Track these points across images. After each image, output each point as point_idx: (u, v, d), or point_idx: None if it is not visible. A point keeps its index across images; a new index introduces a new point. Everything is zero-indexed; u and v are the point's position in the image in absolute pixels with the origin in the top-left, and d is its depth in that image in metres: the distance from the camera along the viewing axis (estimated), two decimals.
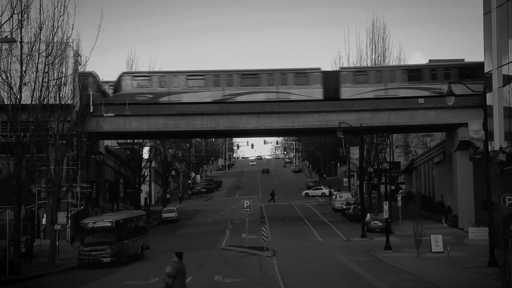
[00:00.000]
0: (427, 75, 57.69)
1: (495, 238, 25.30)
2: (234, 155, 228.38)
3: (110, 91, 58.68)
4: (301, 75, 58.30)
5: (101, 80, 59.72)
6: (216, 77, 58.23)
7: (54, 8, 40.71)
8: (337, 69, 63.97)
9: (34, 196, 46.49)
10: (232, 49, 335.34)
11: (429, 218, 61.05)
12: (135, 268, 38.79)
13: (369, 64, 68.17)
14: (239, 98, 57.83)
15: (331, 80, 57.78)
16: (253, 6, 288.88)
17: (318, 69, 58.96)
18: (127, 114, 57.24)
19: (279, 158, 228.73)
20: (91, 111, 55.00)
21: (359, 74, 58.72)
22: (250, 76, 58.57)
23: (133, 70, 70.18)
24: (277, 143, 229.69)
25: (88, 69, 51.40)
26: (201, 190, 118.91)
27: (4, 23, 34.74)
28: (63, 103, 43.46)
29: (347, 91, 57.41)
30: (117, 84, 58.50)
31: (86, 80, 54.86)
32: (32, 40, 38.82)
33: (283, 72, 58.94)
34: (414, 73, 58.09)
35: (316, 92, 57.46)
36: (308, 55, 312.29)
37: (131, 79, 58.11)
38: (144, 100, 57.43)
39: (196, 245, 49.99)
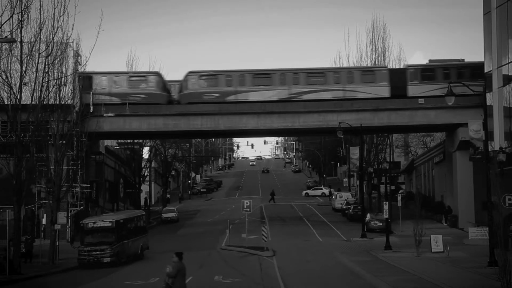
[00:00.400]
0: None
1: (495, 238, 25.30)
2: (234, 155, 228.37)
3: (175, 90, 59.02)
4: (368, 73, 58.36)
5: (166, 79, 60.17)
6: (282, 76, 58.36)
7: (54, 8, 40.79)
8: (403, 66, 63.66)
9: (34, 196, 46.49)
10: (232, 49, 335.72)
11: (429, 218, 61.07)
12: (135, 268, 38.80)
13: (369, 64, 68.19)
14: (305, 97, 57.90)
15: (397, 78, 57.59)
16: (253, 6, 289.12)
17: (385, 67, 58.85)
18: (127, 114, 57.21)
19: (279, 158, 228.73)
20: (91, 111, 55.00)
21: (427, 72, 58.38)
22: (317, 75, 58.63)
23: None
24: (277, 143, 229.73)
25: (88, 69, 51.39)
26: (201, 190, 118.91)
27: (4, 23, 34.78)
28: (63, 103, 43.47)
29: (414, 89, 57.22)
30: (182, 84, 58.71)
31: (152, 79, 56.29)
32: (32, 40, 38.86)
33: (349, 70, 59.20)
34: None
35: (382, 90, 57.33)
36: (308, 55, 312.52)
37: (197, 78, 58.30)
38: (210, 99, 57.65)
39: (196, 245, 49.99)
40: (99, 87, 57.07)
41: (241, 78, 58.18)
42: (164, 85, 58.56)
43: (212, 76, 58.89)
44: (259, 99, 57.87)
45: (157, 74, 59.09)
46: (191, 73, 59.06)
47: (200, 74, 58.94)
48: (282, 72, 59.06)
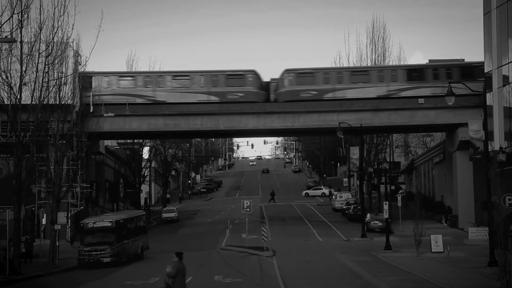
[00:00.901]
0: None
1: (495, 238, 25.29)
2: (234, 155, 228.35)
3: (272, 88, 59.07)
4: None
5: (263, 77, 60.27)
6: (380, 73, 58.58)
7: (54, 8, 40.77)
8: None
9: (34, 196, 46.47)
10: (232, 49, 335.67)
11: (429, 218, 61.02)
12: (135, 268, 38.80)
13: (369, 64, 68.19)
14: (403, 94, 57.84)
15: None
16: (253, 6, 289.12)
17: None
18: (127, 114, 57.21)
19: (279, 158, 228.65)
20: (91, 111, 55.01)
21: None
22: (416, 72, 58.62)
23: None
24: (277, 143, 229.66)
25: (88, 69, 51.40)
26: (201, 190, 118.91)
27: (4, 23, 34.77)
28: (63, 103, 43.47)
29: None
30: (279, 82, 58.76)
31: (249, 77, 57.05)
32: (32, 40, 38.84)
33: (448, 67, 58.72)
34: None
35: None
36: (308, 55, 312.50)
37: (294, 76, 58.28)
38: (308, 96, 57.65)
39: (196, 245, 49.98)
40: (196, 85, 57.39)
41: (338, 75, 58.38)
42: (261, 83, 58.69)
43: (309, 73, 58.90)
44: (357, 97, 57.82)
45: (254, 72, 59.16)
46: (287, 71, 59.17)
47: (298, 72, 58.96)
48: (380, 69, 59.69)
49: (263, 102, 58.16)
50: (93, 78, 57.07)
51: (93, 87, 56.74)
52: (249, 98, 57.61)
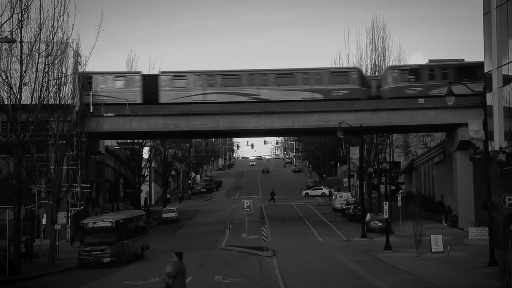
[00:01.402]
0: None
1: (495, 238, 25.29)
2: (234, 155, 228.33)
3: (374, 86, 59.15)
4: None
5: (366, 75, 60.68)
6: None
7: (54, 8, 40.75)
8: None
9: (34, 196, 46.48)
10: (232, 49, 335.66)
11: (429, 218, 61.01)
12: (135, 268, 38.79)
13: (368, 64, 68.24)
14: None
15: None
16: (253, 6, 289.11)
17: None
18: (127, 114, 57.18)
19: (279, 158, 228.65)
20: (91, 111, 55.01)
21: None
22: None
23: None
24: (277, 143, 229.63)
25: (88, 69, 51.34)
26: (201, 190, 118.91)
27: (4, 23, 34.78)
28: (63, 103, 43.46)
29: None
30: (382, 79, 58.85)
31: (353, 74, 57.59)
32: (32, 40, 38.83)
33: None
34: None
35: None
36: (308, 55, 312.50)
37: (399, 73, 58.33)
38: (413, 93, 57.50)
39: (196, 245, 49.98)
40: (300, 83, 57.63)
41: (443, 72, 58.11)
42: (364, 80, 58.79)
43: (413, 71, 58.95)
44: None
45: (358, 70, 59.37)
46: (392, 68, 59.22)
47: (402, 69, 59.08)
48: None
49: (366, 99, 57.95)
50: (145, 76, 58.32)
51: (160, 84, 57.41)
52: (353, 95, 57.61)
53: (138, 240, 43.59)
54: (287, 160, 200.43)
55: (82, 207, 52.38)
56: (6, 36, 34.27)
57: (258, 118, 58.71)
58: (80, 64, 47.44)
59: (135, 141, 75.83)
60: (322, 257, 40.25)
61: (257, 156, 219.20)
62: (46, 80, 40.31)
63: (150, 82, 57.99)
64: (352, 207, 67.39)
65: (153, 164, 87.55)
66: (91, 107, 55.14)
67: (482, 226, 44.32)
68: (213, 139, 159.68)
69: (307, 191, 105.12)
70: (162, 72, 59.28)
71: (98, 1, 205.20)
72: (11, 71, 37.84)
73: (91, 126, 53.16)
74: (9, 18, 35.46)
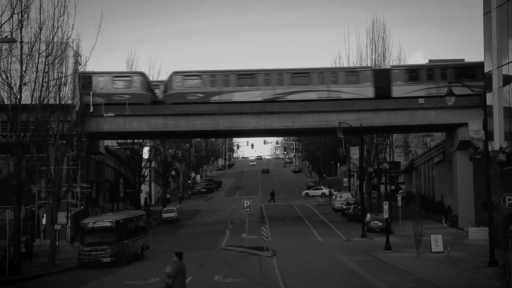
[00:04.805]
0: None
1: (495, 238, 25.27)
2: (234, 155, 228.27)
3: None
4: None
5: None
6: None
7: (54, 8, 40.76)
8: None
9: (34, 196, 46.47)
10: (232, 49, 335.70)
11: (429, 218, 61.02)
12: (135, 268, 38.79)
13: (369, 64, 68.15)
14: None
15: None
16: (253, 6, 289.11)
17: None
18: (127, 114, 57.20)
19: (279, 158, 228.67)
20: (91, 111, 55.01)
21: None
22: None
23: (133, 69, 70.12)
24: (277, 143, 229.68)
25: (88, 69, 51.34)
26: (201, 190, 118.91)
27: (4, 23, 34.77)
28: (63, 103, 43.46)
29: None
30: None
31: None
32: (32, 40, 38.82)
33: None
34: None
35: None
36: (308, 55, 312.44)
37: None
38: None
39: (196, 245, 49.98)
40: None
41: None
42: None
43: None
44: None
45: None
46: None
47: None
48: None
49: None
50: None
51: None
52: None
53: (138, 240, 43.58)
54: (287, 160, 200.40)
55: (82, 207, 52.36)
56: (6, 36, 34.27)
57: (258, 118, 58.69)
58: (80, 64, 47.45)
59: (135, 141, 75.81)
60: (322, 257, 40.25)
61: (257, 156, 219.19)
62: (46, 80, 40.31)
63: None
64: (352, 207, 67.38)
65: (153, 164, 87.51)
66: (91, 107, 55.15)
67: (482, 226, 44.30)
68: (213, 139, 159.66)
69: (307, 191, 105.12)
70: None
71: (98, 1, 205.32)
72: (11, 71, 37.86)
73: (91, 126, 53.17)
74: (9, 18, 35.50)
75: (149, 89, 58.61)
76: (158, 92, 59.32)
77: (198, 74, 58.85)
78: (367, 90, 57.29)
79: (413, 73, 57.69)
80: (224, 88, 57.88)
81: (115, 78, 58.07)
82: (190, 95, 57.66)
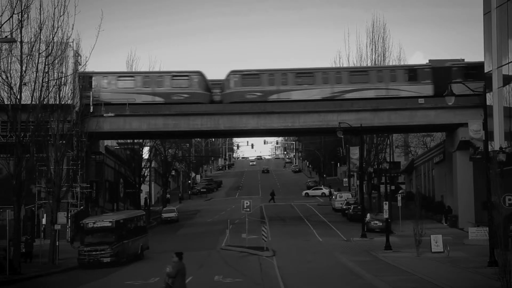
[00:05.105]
0: None
1: (495, 238, 25.27)
2: (234, 155, 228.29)
3: None
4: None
5: None
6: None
7: (54, 8, 40.76)
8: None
9: (34, 196, 46.46)
10: (232, 49, 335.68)
11: (429, 218, 61.02)
12: (135, 268, 38.79)
13: (369, 64, 68.14)
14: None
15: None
16: (253, 6, 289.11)
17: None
18: (127, 114, 57.21)
19: (279, 158, 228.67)
20: (91, 111, 55.02)
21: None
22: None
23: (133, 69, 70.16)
24: (277, 143, 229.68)
25: (88, 69, 51.30)
26: (201, 190, 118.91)
27: (4, 23, 34.76)
28: (63, 103, 43.46)
29: None
30: None
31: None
32: (32, 40, 38.82)
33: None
34: None
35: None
36: (308, 55, 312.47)
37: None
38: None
39: (196, 245, 49.98)
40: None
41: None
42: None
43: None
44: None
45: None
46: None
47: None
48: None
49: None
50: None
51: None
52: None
53: (138, 240, 43.58)
54: (287, 160, 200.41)
55: (82, 207, 52.36)
56: (6, 36, 34.26)
57: (258, 118, 58.70)
58: (80, 64, 47.45)
59: (135, 141, 75.82)
60: (322, 257, 40.24)
61: (257, 156, 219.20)
62: (46, 80, 40.31)
63: None
64: (352, 207, 67.38)
65: (153, 164, 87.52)
66: (91, 107, 55.16)
67: (482, 226, 44.29)
68: (213, 139, 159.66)
69: (307, 191, 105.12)
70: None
71: (98, 1, 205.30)
72: (11, 71, 37.86)
73: (91, 126, 53.17)
74: (9, 18, 35.48)
75: (207, 88, 58.55)
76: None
77: (256, 73, 58.94)
78: (427, 88, 57.19)
79: (472, 71, 57.36)
80: (282, 87, 57.90)
81: (174, 78, 58.20)
82: (248, 94, 57.71)
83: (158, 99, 57.41)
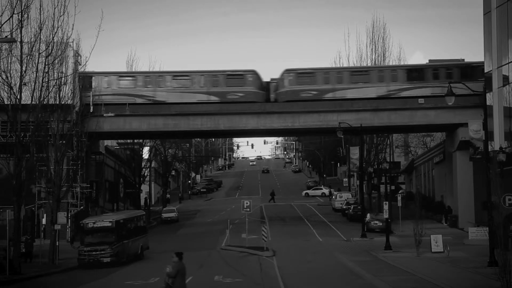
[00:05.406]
0: None
1: (495, 238, 25.28)
2: (234, 155, 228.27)
3: None
4: None
5: None
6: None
7: (54, 8, 40.76)
8: None
9: (34, 196, 46.44)
10: (232, 49, 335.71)
11: (429, 218, 61.01)
12: (135, 268, 38.78)
13: (369, 64, 68.11)
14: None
15: None
16: (253, 6, 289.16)
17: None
18: (127, 114, 57.22)
19: (279, 158, 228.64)
20: (91, 111, 55.02)
21: None
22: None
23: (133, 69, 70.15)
24: (277, 143, 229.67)
25: (88, 69, 51.30)
26: (201, 190, 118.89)
27: (4, 23, 34.77)
28: (63, 103, 43.45)
29: None
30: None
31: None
32: (32, 40, 38.82)
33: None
34: None
35: None
36: (308, 55, 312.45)
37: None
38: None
39: (196, 245, 49.98)
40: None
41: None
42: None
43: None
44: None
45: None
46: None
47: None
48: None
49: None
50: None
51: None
52: None
53: (138, 240, 43.57)
54: (287, 160, 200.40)
55: (82, 207, 52.36)
56: (6, 36, 34.25)
57: (258, 118, 58.69)
58: (80, 64, 47.46)
59: (135, 141, 75.82)
60: (322, 257, 40.24)
61: (257, 156, 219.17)
62: (46, 80, 40.30)
63: None
64: (352, 207, 67.37)
65: (153, 164, 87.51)
66: (91, 107, 55.16)
67: (482, 226, 44.31)
68: (213, 139, 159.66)
69: (307, 191, 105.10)
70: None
71: (98, 1, 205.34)
72: (11, 71, 37.84)
73: (91, 126, 53.17)
74: (9, 18, 35.48)
75: (262, 87, 58.54)
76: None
77: (311, 71, 58.94)
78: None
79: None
80: (338, 85, 57.76)
81: (229, 77, 58.23)
82: (304, 93, 57.64)
83: (213, 98, 57.56)
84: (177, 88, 57.84)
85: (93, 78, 57.02)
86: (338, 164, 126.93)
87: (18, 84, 37.51)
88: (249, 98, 57.49)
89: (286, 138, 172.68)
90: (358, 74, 58.76)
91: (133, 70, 70.43)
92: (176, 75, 58.80)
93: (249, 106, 58.07)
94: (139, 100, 57.32)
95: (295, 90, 57.47)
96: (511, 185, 31.84)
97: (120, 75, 58.90)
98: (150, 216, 74.44)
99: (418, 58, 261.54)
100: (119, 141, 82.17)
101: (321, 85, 57.79)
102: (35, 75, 38.90)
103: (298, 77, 57.94)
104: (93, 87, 56.73)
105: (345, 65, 70.52)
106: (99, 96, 56.48)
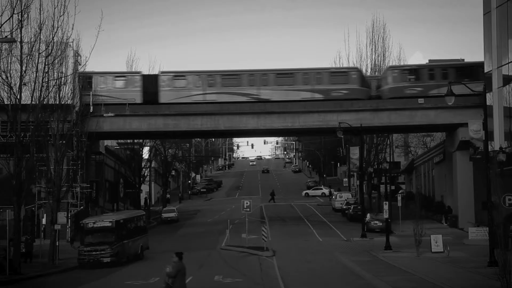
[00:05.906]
0: None
1: (495, 238, 25.30)
2: (234, 155, 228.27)
3: None
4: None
5: None
6: None
7: (54, 8, 40.69)
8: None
9: (34, 196, 46.42)
10: (232, 49, 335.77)
11: (429, 218, 61.04)
12: (135, 268, 38.79)
13: (368, 65, 68.17)
14: None
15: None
16: (253, 6, 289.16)
17: None
18: (127, 114, 57.20)
19: (279, 158, 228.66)
20: (91, 111, 55.02)
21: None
22: None
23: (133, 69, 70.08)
24: (277, 143, 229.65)
25: (88, 69, 51.26)
26: (201, 190, 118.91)
27: (4, 23, 34.70)
28: (63, 103, 43.44)
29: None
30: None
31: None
32: (32, 40, 38.78)
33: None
34: None
35: None
36: (308, 55, 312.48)
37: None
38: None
39: (196, 245, 49.98)
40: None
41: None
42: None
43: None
44: None
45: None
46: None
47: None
48: None
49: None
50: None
51: None
52: (353, 95, 57.43)
53: (138, 240, 43.57)
54: (287, 160, 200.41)
55: (82, 207, 52.35)
56: (6, 36, 34.24)
57: (258, 118, 58.68)
58: (80, 64, 47.43)
59: (135, 141, 75.80)
60: (322, 257, 40.23)
61: (257, 156, 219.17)
62: (46, 80, 40.26)
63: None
64: (352, 207, 67.38)
65: (153, 164, 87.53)
66: (91, 107, 55.15)
67: (482, 226, 44.32)
68: (213, 139, 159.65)
69: (307, 191, 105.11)
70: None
71: (98, 1, 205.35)
72: (11, 71, 37.80)
73: (91, 126, 53.16)
74: (9, 18, 35.43)
75: (365, 84, 58.58)
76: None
77: (415, 68, 59.12)
78: None
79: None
80: (442, 82, 57.24)
81: (333, 75, 58.30)
82: (408, 89, 57.47)
83: (317, 96, 57.58)
84: (280, 86, 57.83)
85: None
86: (338, 164, 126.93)
87: (18, 84, 37.49)
88: (353, 95, 57.57)
89: (286, 138, 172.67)
90: (463, 71, 57.47)
91: (133, 70, 70.40)
92: (279, 73, 58.74)
93: (249, 106, 58.08)
94: (243, 99, 57.31)
95: (399, 86, 57.51)
96: (511, 185, 31.85)
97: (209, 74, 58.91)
98: (150, 216, 74.45)
99: (418, 58, 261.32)
100: (119, 141, 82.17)
101: (426, 82, 57.67)
102: (35, 75, 38.88)
103: (402, 74, 58.07)
104: (92, 87, 56.55)
105: (345, 65, 70.57)
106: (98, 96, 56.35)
